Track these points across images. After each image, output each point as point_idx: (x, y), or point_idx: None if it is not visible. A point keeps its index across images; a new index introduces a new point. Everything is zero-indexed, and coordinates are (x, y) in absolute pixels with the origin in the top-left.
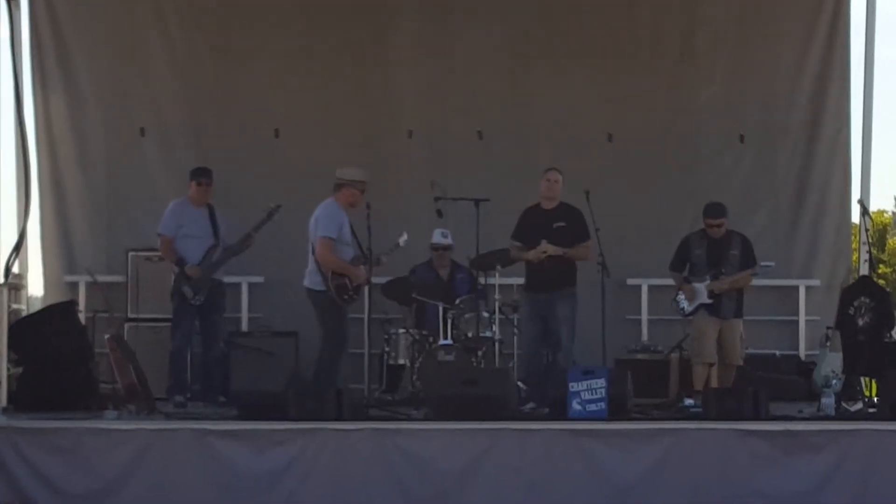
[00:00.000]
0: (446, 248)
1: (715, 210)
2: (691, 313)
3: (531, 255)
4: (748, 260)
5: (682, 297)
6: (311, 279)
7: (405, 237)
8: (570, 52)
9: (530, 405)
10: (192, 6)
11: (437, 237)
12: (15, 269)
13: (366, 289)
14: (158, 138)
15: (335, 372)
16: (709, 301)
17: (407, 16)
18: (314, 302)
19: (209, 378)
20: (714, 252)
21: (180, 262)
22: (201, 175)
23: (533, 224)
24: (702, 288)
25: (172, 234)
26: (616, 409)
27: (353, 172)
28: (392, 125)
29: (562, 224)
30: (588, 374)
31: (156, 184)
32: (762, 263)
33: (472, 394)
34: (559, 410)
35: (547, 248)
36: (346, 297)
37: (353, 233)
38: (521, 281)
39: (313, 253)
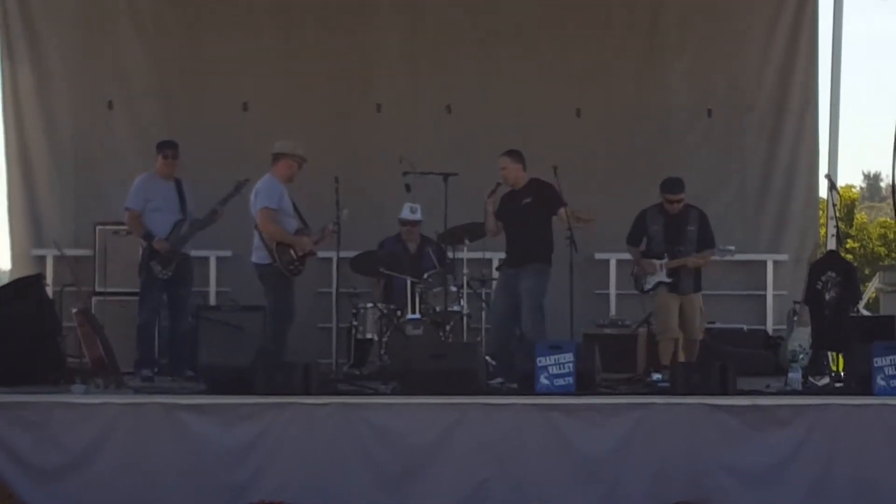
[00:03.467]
0: (415, 223)
1: (673, 185)
2: (650, 290)
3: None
4: (705, 236)
5: (637, 270)
6: (258, 254)
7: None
8: (539, 27)
9: (498, 380)
10: None
11: (406, 213)
12: None
13: (334, 263)
14: (126, 112)
15: (283, 345)
16: (668, 280)
17: None
18: (261, 276)
19: (177, 352)
20: (671, 228)
21: (148, 237)
22: (167, 147)
23: (505, 206)
24: (660, 265)
25: (140, 208)
26: (584, 383)
27: (291, 145)
28: (361, 99)
29: (528, 200)
30: (555, 348)
31: (124, 157)
32: (723, 247)
33: (440, 368)
34: (527, 385)
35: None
36: (292, 267)
37: (294, 206)
38: (489, 255)
39: (257, 228)
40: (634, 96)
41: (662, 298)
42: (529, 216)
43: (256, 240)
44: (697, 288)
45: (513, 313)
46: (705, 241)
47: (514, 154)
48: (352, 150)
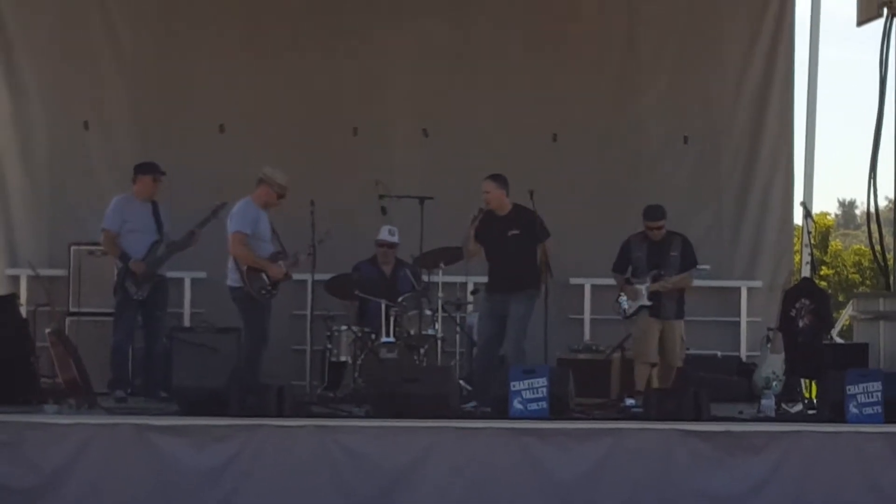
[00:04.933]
0: (392, 245)
1: (653, 213)
2: (632, 315)
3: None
4: (688, 261)
5: (623, 298)
6: (231, 276)
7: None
8: (515, 51)
9: (472, 403)
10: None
11: (384, 234)
12: None
13: (309, 286)
14: (102, 132)
15: (256, 368)
16: (648, 303)
17: (352, 13)
18: (234, 299)
19: (151, 373)
20: (654, 254)
21: (124, 258)
22: (157, 170)
23: (487, 231)
24: (642, 289)
25: (116, 228)
26: (557, 408)
27: (275, 174)
28: (337, 122)
29: (516, 232)
30: (529, 373)
31: (99, 178)
32: (699, 267)
33: (413, 391)
34: (501, 409)
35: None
36: (263, 292)
37: (273, 230)
38: (464, 279)
39: None
40: (610, 122)
41: (643, 322)
42: (517, 247)
43: (230, 262)
44: (680, 315)
45: (500, 338)
46: (688, 266)
47: (499, 179)
48: (328, 173)
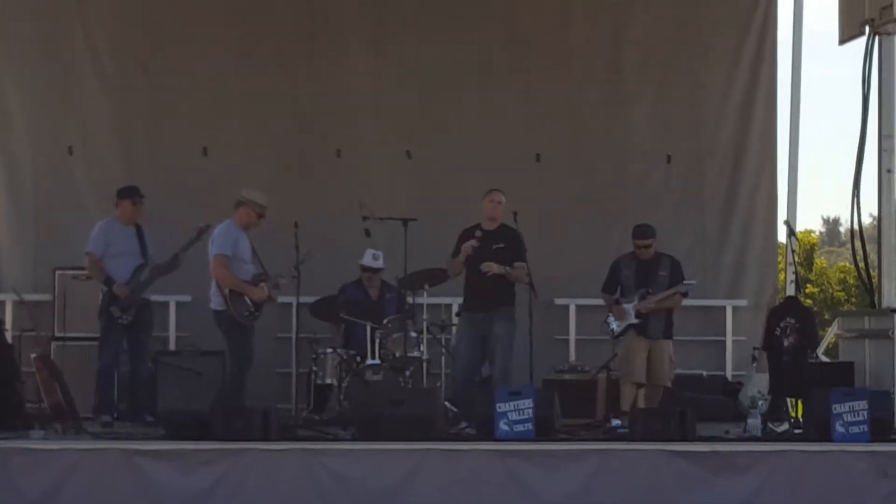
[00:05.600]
0: (377, 270)
1: (642, 231)
2: (620, 334)
3: (465, 247)
4: (677, 281)
5: (611, 318)
6: (214, 300)
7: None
8: (499, 72)
9: (464, 424)
10: (120, 23)
11: (369, 259)
12: None
13: (294, 308)
14: (86, 157)
15: (241, 390)
16: (636, 321)
17: (337, 36)
18: (217, 322)
19: (136, 397)
20: (642, 273)
21: (108, 282)
22: (135, 194)
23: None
24: (630, 308)
25: (101, 252)
26: (543, 429)
27: (253, 194)
28: (321, 144)
29: (500, 245)
30: (515, 394)
31: (83, 202)
32: (685, 282)
33: (399, 414)
34: (487, 431)
35: (491, 267)
36: (246, 314)
37: (254, 252)
38: (449, 301)
39: None
40: (594, 141)
41: (629, 342)
42: (500, 262)
43: (213, 286)
44: (668, 335)
45: (480, 357)
46: (676, 284)
47: (502, 191)
48: (311, 195)
